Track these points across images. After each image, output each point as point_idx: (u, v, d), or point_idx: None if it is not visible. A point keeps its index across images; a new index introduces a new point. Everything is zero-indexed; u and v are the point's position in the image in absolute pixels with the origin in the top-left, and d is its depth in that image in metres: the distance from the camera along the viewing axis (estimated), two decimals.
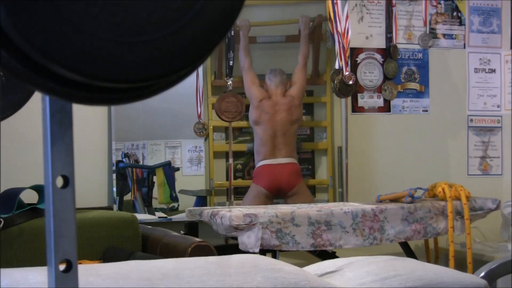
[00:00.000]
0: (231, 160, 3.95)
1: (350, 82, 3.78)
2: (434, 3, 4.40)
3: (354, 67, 4.20)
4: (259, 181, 3.83)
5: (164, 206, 3.97)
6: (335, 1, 3.76)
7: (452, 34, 4.44)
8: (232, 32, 3.86)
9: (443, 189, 3.46)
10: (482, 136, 4.48)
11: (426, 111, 4.37)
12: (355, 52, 4.23)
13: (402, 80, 4.34)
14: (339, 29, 3.76)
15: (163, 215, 3.91)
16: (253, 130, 3.94)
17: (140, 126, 3.99)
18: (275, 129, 3.84)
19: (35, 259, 2.84)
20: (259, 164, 3.86)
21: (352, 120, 4.18)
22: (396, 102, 4.32)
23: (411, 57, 4.35)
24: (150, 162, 3.97)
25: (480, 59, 4.50)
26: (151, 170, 3.96)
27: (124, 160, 3.87)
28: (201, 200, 3.97)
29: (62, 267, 0.87)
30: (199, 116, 3.95)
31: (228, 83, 3.90)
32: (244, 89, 3.92)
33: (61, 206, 0.86)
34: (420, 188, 3.48)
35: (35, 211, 3.00)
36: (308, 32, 4.04)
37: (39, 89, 0.79)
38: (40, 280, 1.18)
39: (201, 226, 3.59)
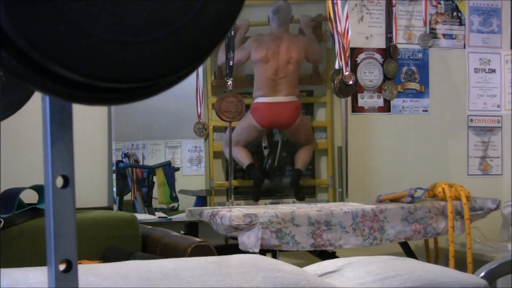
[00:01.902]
0: (231, 160, 3.95)
1: (350, 82, 3.78)
2: (434, 3, 4.40)
3: (354, 67, 4.20)
4: (255, 115, 3.90)
5: (164, 206, 3.97)
6: (335, 1, 3.76)
7: (452, 34, 4.44)
8: (232, 32, 3.86)
9: (443, 189, 3.46)
10: (482, 136, 4.48)
11: (426, 111, 4.37)
12: (355, 52, 4.23)
13: (402, 80, 4.34)
14: (339, 29, 3.76)
15: (163, 215, 3.91)
16: (253, 68, 3.97)
17: (140, 126, 3.99)
18: (276, 66, 3.88)
19: (35, 259, 2.84)
20: (257, 100, 3.92)
21: (352, 120, 4.18)
22: (396, 102, 4.32)
23: (411, 57, 4.35)
24: (150, 162, 3.97)
25: (480, 59, 4.50)
26: (151, 170, 3.96)
27: (124, 160, 3.87)
28: (201, 200, 3.97)
29: (62, 267, 0.87)
30: (199, 116, 3.95)
31: (228, 83, 3.90)
32: (241, 59, 3.92)
33: (61, 206, 0.86)
34: (420, 188, 3.48)
35: (35, 211, 3.00)
36: (311, 31, 4.05)
37: (39, 89, 0.79)
38: (40, 280, 1.18)
39: (201, 226, 3.59)
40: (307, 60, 4.04)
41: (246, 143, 3.96)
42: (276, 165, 4.00)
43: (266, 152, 4.01)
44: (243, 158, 3.94)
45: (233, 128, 3.97)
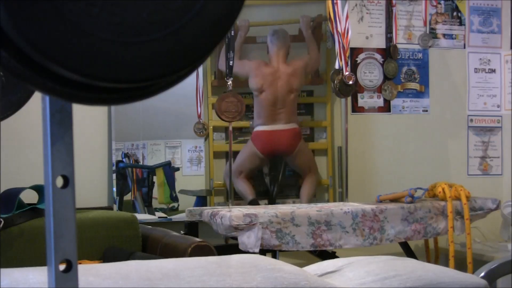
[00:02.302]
0: (231, 160, 3.95)
1: (350, 82, 3.78)
2: (434, 3, 4.40)
3: (354, 67, 4.20)
4: (256, 143, 3.89)
5: (164, 206, 3.97)
6: (335, 1, 3.76)
7: (452, 34, 4.44)
8: (232, 32, 3.86)
9: (443, 189, 3.46)
10: (482, 136, 4.48)
11: (426, 111, 4.37)
12: (355, 52, 4.23)
13: (402, 80, 4.34)
14: (339, 29, 3.76)
15: (163, 215, 3.90)
16: (253, 96, 3.96)
17: (140, 126, 3.99)
18: (275, 96, 3.88)
19: (35, 259, 2.84)
20: (258, 128, 3.91)
21: (352, 120, 4.18)
22: (396, 102, 4.32)
23: (411, 57, 4.35)
24: (150, 162, 3.97)
25: (480, 59, 4.50)
26: (151, 170, 3.96)
27: (124, 160, 3.87)
28: (201, 200, 3.97)
29: (62, 267, 0.87)
30: (199, 116, 3.95)
31: (228, 83, 3.90)
32: (240, 74, 3.93)
33: (61, 206, 0.86)
34: (420, 188, 3.48)
35: (35, 211, 3.00)
36: (311, 32, 4.05)
37: (39, 89, 0.79)
38: (40, 280, 1.18)
39: (201, 226, 3.59)
40: (306, 73, 4.03)
41: (249, 171, 3.94)
42: (279, 190, 3.98)
43: (268, 179, 4.01)
44: (246, 192, 3.93)
45: (233, 129, 3.97)
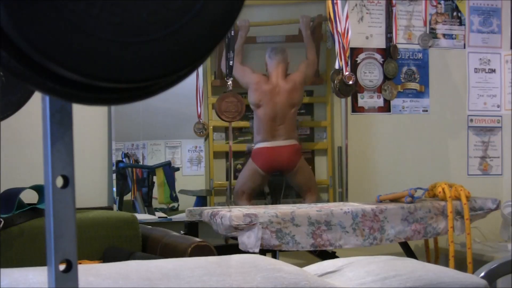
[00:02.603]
0: (231, 160, 3.95)
1: (350, 82, 3.78)
2: (434, 3, 4.40)
3: (354, 67, 4.20)
4: (256, 161, 3.87)
5: (164, 206, 3.97)
6: (335, 1, 3.76)
7: (452, 34, 4.44)
8: (232, 32, 3.86)
9: (443, 189, 3.46)
10: (482, 136, 4.48)
11: (426, 111, 4.37)
12: (355, 52, 4.23)
13: (402, 80, 4.34)
14: (339, 29, 3.76)
15: (163, 215, 3.90)
16: (253, 111, 3.95)
17: (140, 126, 3.99)
18: (275, 111, 3.87)
19: (35, 259, 2.84)
20: (258, 145, 3.90)
21: (352, 120, 4.18)
22: (396, 102, 4.32)
23: (411, 57, 4.35)
24: (150, 162, 3.97)
25: (480, 59, 4.50)
26: (151, 170, 3.96)
27: (124, 160, 3.87)
28: (201, 200, 3.97)
29: (62, 267, 0.87)
30: (199, 116, 3.95)
31: (228, 83, 3.90)
32: (240, 82, 3.92)
33: (61, 206, 0.86)
34: (420, 188, 3.48)
35: (35, 211, 3.00)
36: (310, 32, 4.05)
37: (39, 89, 0.79)
38: (40, 280, 1.18)
39: (201, 226, 3.59)
40: (306, 82, 4.01)
41: (251, 191, 3.92)
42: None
43: (268, 200, 4.00)
44: None
45: (233, 129, 3.97)
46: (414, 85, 4.36)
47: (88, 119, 3.69)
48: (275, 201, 3.99)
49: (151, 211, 3.91)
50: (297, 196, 4.02)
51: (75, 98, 0.80)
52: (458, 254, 3.63)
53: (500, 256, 3.32)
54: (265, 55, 4.01)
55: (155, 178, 3.97)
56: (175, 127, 4.08)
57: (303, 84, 3.97)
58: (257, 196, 4.00)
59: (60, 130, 0.85)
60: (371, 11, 4.26)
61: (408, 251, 3.64)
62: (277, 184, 4.01)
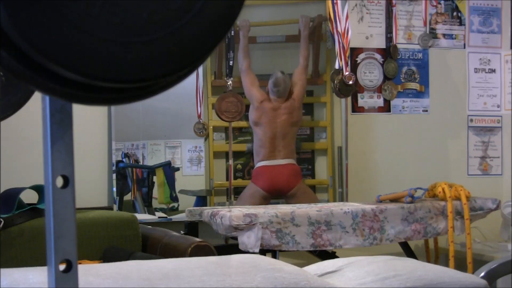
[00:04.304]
0: (231, 161, 3.95)
1: (350, 82, 3.78)
2: (434, 3, 4.40)
3: (354, 67, 4.20)
4: (257, 181, 3.84)
5: (164, 206, 3.97)
6: (335, 1, 3.76)
7: (452, 34, 4.44)
8: (232, 32, 3.86)
9: (443, 189, 3.46)
10: (482, 136, 4.49)
11: (426, 111, 4.37)
12: (355, 52, 4.23)
13: (402, 80, 4.34)
14: (339, 29, 3.76)
15: (163, 215, 3.91)
16: (252, 130, 3.94)
17: (140, 126, 3.99)
18: (275, 131, 3.84)
19: (35, 259, 2.84)
20: (258, 165, 3.87)
21: (352, 120, 4.18)
22: (396, 102, 4.32)
23: (411, 57, 4.35)
24: (150, 162, 3.97)
25: (480, 59, 4.50)
26: (151, 170, 3.96)
27: (124, 160, 3.87)
28: (201, 200, 3.97)
29: (62, 267, 0.87)
30: (199, 116, 3.95)
31: (228, 83, 3.90)
32: (244, 91, 3.92)
33: (61, 206, 0.86)
34: (420, 188, 3.48)
35: (35, 211, 3.00)
36: (308, 33, 4.03)
37: (39, 89, 0.79)
38: (40, 280, 1.18)
39: (201, 226, 3.59)
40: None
41: None
42: None
43: None
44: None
45: (233, 129, 3.97)
46: (414, 85, 4.36)
47: (88, 119, 3.69)
48: None
49: (151, 211, 3.91)
50: None
51: (75, 98, 0.80)
52: (458, 254, 3.63)
53: (500, 256, 3.32)
54: (266, 54, 4.00)
55: (155, 178, 3.97)
56: (175, 127, 4.08)
57: (301, 100, 3.94)
58: None
59: (60, 130, 0.85)
60: (371, 11, 4.26)
61: (408, 251, 3.64)
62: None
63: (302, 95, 3.94)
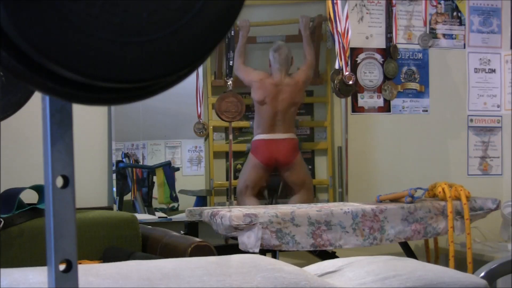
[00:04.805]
0: (231, 160, 3.95)
1: (350, 82, 3.78)
2: (434, 3, 4.40)
3: (354, 67, 4.20)
4: (256, 154, 3.88)
5: (164, 206, 3.97)
6: (335, 1, 3.76)
7: (452, 34, 4.44)
8: (232, 32, 3.86)
9: (443, 189, 3.46)
10: (482, 136, 4.48)
11: (426, 111, 4.37)
12: (355, 52, 4.23)
13: (402, 80, 4.34)
14: (339, 29, 3.76)
15: (163, 215, 3.90)
16: (254, 108, 3.95)
17: (140, 126, 3.99)
18: (276, 109, 3.88)
19: (35, 259, 2.84)
20: (257, 137, 3.91)
21: (352, 120, 4.18)
22: (396, 102, 4.32)
23: (411, 57, 4.35)
24: (150, 162, 3.97)
25: (480, 59, 4.50)
26: (151, 170, 3.96)
27: (124, 160, 3.87)
28: (201, 200, 3.97)
29: (62, 267, 0.87)
30: (199, 116, 3.95)
31: (228, 83, 3.90)
32: (244, 83, 3.94)
33: (61, 206, 0.86)
34: (420, 188, 3.47)
35: (35, 211, 3.00)
36: (309, 33, 4.04)
37: (39, 89, 0.79)
38: (40, 280, 1.18)
39: (201, 226, 3.59)
40: (307, 83, 4.03)
41: (254, 184, 3.89)
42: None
43: (265, 193, 4.01)
44: None
45: (233, 129, 3.97)
46: (414, 85, 4.36)
47: (88, 119, 3.69)
48: (272, 200, 3.99)
49: (151, 211, 3.91)
50: (293, 194, 4.00)
51: (75, 98, 0.80)
52: (458, 254, 3.63)
53: (500, 256, 3.32)
54: (265, 54, 4.01)
55: (155, 178, 3.97)
56: (175, 127, 4.08)
57: (305, 84, 3.98)
58: (260, 193, 3.99)
59: (60, 130, 0.85)
60: (371, 11, 4.26)
61: (408, 251, 3.64)
62: (275, 181, 4.00)
63: (305, 79, 3.95)
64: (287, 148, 3.90)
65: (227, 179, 3.98)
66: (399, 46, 4.30)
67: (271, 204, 3.91)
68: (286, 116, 3.90)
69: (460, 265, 3.40)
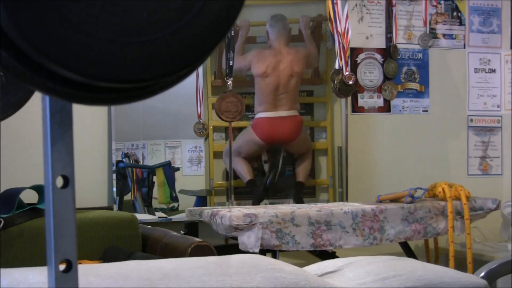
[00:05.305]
0: (231, 160, 3.95)
1: (350, 82, 3.78)
2: (434, 3, 4.40)
3: (354, 67, 4.20)
4: (256, 131, 3.90)
5: (164, 206, 3.97)
6: (335, 1, 3.76)
7: (452, 34, 4.44)
8: (232, 32, 3.86)
9: (443, 189, 3.46)
10: (482, 136, 4.48)
11: (426, 111, 4.37)
12: (355, 52, 4.23)
13: (402, 80, 4.34)
14: (339, 29, 3.76)
15: (163, 215, 3.91)
16: (254, 82, 3.96)
17: (140, 126, 3.99)
18: (277, 81, 3.88)
19: (35, 259, 2.84)
20: (258, 115, 3.92)
21: (352, 120, 4.18)
22: (396, 102, 4.32)
23: (411, 57, 4.35)
24: (150, 162, 3.97)
25: (480, 59, 4.50)
26: (151, 170, 3.96)
27: (124, 160, 3.87)
28: (201, 200, 3.97)
29: (62, 267, 0.87)
30: (199, 116, 3.95)
31: (228, 83, 3.90)
32: (245, 68, 3.94)
33: (61, 206, 0.86)
34: (420, 188, 3.48)
35: (35, 211, 3.00)
36: (310, 32, 4.05)
37: (39, 89, 0.79)
38: (40, 280, 1.18)
39: (201, 226, 3.59)
40: (307, 65, 4.05)
41: (247, 155, 3.96)
42: (277, 182, 3.98)
43: (266, 167, 4.01)
44: (244, 172, 3.93)
45: (233, 129, 3.97)
46: (414, 85, 4.36)
47: (88, 119, 3.69)
48: (275, 171, 3.98)
49: (151, 211, 3.91)
50: (295, 161, 4.02)
51: (75, 98, 0.80)
52: (458, 254, 3.63)
53: (500, 256, 3.32)
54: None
55: (155, 178, 3.97)
56: (175, 127, 4.08)
57: (305, 59, 3.98)
58: (256, 163, 4.01)
59: (60, 130, 0.85)
60: (371, 11, 4.26)
61: (408, 251, 3.64)
62: (276, 152, 4.01)
63: (306, 54, 3.98)
64: (290, 127, 3.90)
65: (227, 179, 3.98)
66: (399, 46, 4.30)
67: (271, 180, 3.92)
68: (288, 89, 3.90)
69: (460, 265, 3.40)
